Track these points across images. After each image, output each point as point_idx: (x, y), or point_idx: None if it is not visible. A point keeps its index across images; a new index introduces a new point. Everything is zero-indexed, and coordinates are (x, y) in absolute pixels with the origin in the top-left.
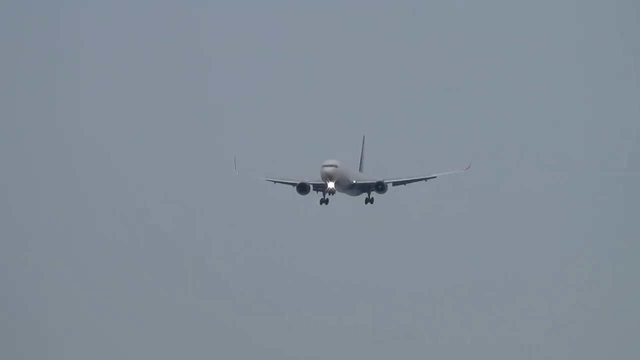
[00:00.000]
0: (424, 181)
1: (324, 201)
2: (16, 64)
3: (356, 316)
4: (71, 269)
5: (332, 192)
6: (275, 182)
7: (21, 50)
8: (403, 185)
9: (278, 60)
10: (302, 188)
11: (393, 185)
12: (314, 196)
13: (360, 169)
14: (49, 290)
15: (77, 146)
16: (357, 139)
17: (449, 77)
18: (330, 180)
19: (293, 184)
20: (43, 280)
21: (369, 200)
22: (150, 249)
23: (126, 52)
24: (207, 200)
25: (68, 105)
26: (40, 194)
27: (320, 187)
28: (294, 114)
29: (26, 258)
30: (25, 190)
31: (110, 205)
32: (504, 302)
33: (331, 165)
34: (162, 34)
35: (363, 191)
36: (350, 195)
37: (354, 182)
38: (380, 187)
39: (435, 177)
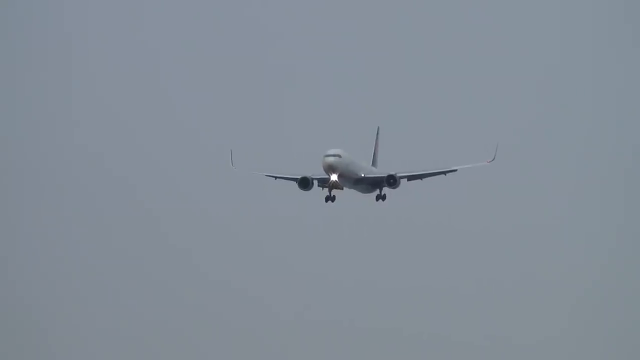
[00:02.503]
0: (443, 175)
1: (330, 198)
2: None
3: (363, 320)
4: (62, 266)
5: (334, 186)
6: (276, 177)
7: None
8: (419, 180)
9: (281, 48)
10: (304, 183)
11: (408, 180)
12: (320, 193)
13: (374, 164)
14: (41, 291)
15: (73, 145)
16: (370, 131)
17: (468, 66)
18: (333, 173)
19: (295, 179)
20: (34, 279)
21: (381, 197)
22: (144, 248)
23: (119, 48)
24: (202, 198)
25: (58, 102)
26: (30, 193)
27: (326, 183)
28: (300, 104)
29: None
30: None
31: (107, 205)
32: (522, 304)
33: (333, 155)
34: (155, 28)
35: (374, 187)
36: (361, 191)
37: (362, 175)
38: (391, 181)
39: (455, 170)
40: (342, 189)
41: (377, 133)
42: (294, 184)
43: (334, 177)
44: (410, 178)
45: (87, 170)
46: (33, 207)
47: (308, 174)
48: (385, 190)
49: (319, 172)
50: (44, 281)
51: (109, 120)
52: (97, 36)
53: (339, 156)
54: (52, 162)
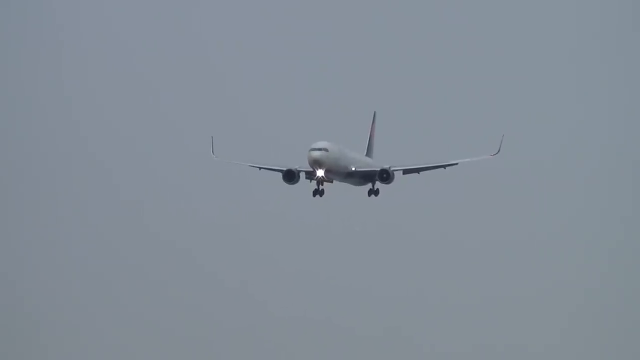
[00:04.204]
0: (442, 169)
1: (319, 192)
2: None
3: (350, 320)
4: (48, 262)
5: (322, 180)
6: (260, 168)
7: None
8: (416, 173)
9: (269, 33)
10: (290, 176)
11: (404, 173)
12: (308, 187)
13: (368, 153)
14: (32, 288)
15: (57, 137)
16: (366, 116)
17: (472, 56)
18: (319, 168)
19: (280, 171)
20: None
21: (373, 192)
22: (126, 242)
23: (107, 44)
24: (182, 190)
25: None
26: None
27: (313, 176)
28: (289, 89)
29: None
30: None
31: (83, 197)
32: (527, 306)
33: (320, 149)
34: (143, 25)
35: (366, 180)
36: (352, 184)
37: (353, 169)
38: (384, 176)
39: (456, 164)
40: (332, 182)
41: (374, 118)
42: (280, 176)
43: (320, 173)
44: (407, 171)
45: (73, 164)
46: (19, 203)
47: (295, 165)
48: (379, 184)
49: (307, 164)
50: (33, 277)
51: (95, 113)
52: (84, 33)
53: (326, 150)
54: (37, 156)
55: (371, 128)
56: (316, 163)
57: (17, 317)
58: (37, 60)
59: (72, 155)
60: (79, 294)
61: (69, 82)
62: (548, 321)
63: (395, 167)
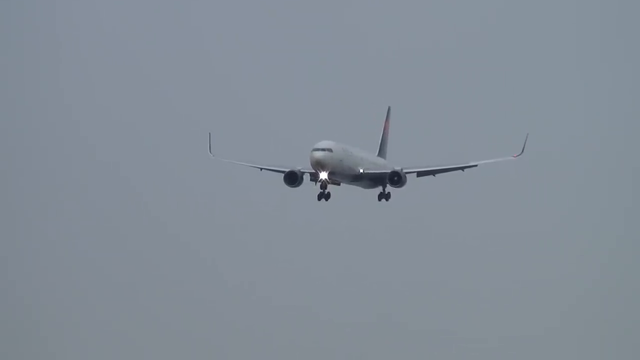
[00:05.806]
0: (460, 172)
1: (324, 196)
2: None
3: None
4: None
5: (326, 183)
6: (261, 169)
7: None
8: (432, 176)
9: (273, 29)
10: (292, 178)
11: (418, 175)
12: (313, 189)
13: (381, 152)
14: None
15: (54, 131)
16: (379, 114)
17: (493, 51)
18: (322, 170)
19: (282, 172)
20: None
21: (384, 196)
22: (117, 242)
23: (108, 43)
24: (180, 189)
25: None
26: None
27: (318, 178)
28: (303, 86)
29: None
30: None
31: (81, 195)
32: (545, 315)
33: (323, 149)
34: (144, 23)
35: (376, 183)
36: (362, 187)
37: (360, 171)
38: (395, 178)
39: (475, 165)
40: (339, 184)
41: (388, 114)
42: (282, 178)
43: (323, 175)
44: (421, 174)
45: (72, 162)
46: (18, 202)
47: (298, 167)
48: (390, 188)
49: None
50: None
51: (94, 111)
52: (83, 30)
53: (330, 150)
54: (36, 155)
55: (385, 125)
56: (319, 165)
57: (19, 316)
58: (37, 59)
59: (72, 154)
60: (76, 291)
61: (69, 79)
62: (574, 324)
63: (408, 169)
